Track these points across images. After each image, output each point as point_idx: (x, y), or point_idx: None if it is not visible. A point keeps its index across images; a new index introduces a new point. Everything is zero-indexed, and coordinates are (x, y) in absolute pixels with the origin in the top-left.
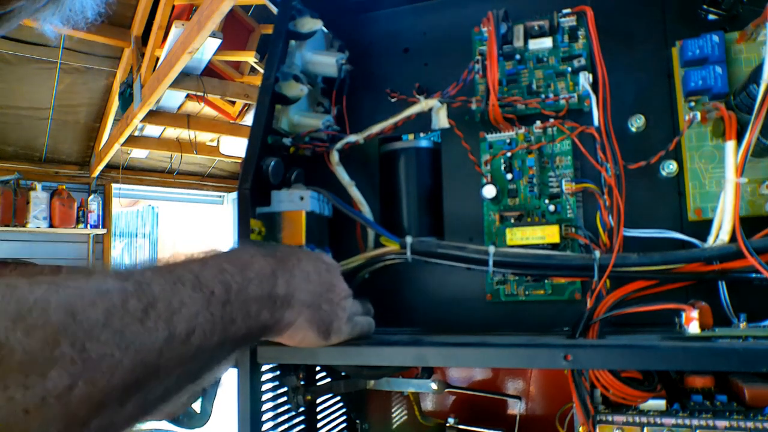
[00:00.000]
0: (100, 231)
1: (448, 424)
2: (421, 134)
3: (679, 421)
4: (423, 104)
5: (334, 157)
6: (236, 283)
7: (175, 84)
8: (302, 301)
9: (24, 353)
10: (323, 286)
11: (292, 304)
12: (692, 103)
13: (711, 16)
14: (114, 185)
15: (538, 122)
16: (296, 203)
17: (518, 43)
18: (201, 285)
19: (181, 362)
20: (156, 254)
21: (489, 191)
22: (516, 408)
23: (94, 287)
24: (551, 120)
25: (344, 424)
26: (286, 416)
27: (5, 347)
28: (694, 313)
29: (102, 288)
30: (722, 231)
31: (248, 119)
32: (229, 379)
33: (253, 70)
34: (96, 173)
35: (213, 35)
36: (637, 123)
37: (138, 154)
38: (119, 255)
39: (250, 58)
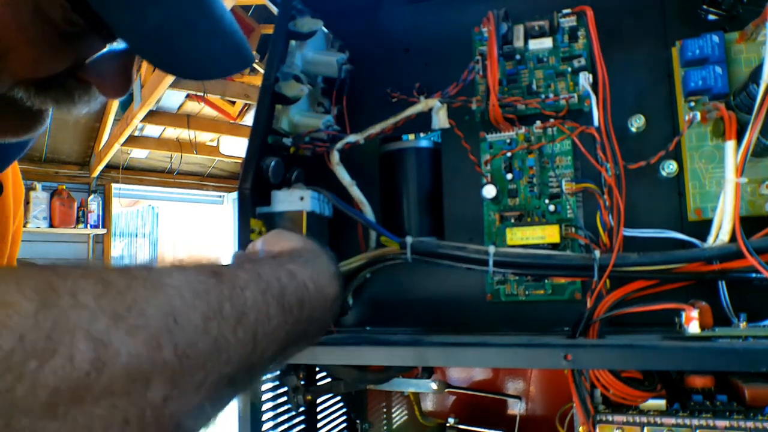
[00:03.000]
0: (100, 231)
1: (448, 424)
2: (422, 134)
3: (679, 421)
4: (423, 104)
5: (335, 157)
6: (310, 304)
7: (175, 84)
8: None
9: (128, 356)
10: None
11: (324, 329)
12: (692, 103)
13: (711, 16)
14: (114, 185)
15: (538, 122)
16: (296, 203)
17: (518, 43)
18: (284, 300)
19: (254, 373)
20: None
21: (489, 191)
22: (516, 408)
23: (192, 286)
24: (551, 120)
25: (344, 424)
26: (286, 416)
27: (109, 348)
28: (694, 313)
29: (199, 288)
30: (722, 231)
31: (248, 119)
32: None
33: (253, 70)
34: (96, 173)
35: None
36: (637, 123)
37: (138, 154)
38: (119, 255)
39: None
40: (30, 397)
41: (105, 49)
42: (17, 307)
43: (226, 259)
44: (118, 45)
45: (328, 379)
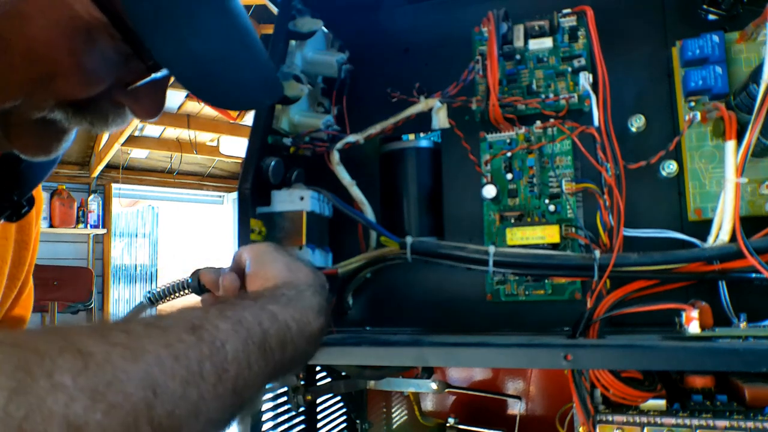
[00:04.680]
0: (100, 231)
1: (448, 424)
2: (422, 134)
3: (680, 421)
4: (423, 104)
5: (335, 157)
6: (293, 344)
7: (175, 84)
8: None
9: None
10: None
11: (307, 360)
12: (692, 103)
13: (711, 16)
14: (114, 185)
15: (538, 122)
16: (296, 203)
17: (518, 43)
18: (266, 345)
19: (232, 418)
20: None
21: (489, 191)
22: (516, 408)
23: (172, 350)
24: (551, 120)
25: (344, 424)
26: (286, 416)
27: (85, 430)
28: (695, 313)
29: (179, 351)
30: (722, 231)
31: (248, 119)
32: None
33: None
34: (96, 173)
35: None
36: (637, 123)
37: (138, 154)
38: (119, 255)
39: None
40: None
41: (148, 78)
42: None
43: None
44: (156, 72)
45: (328, 379)
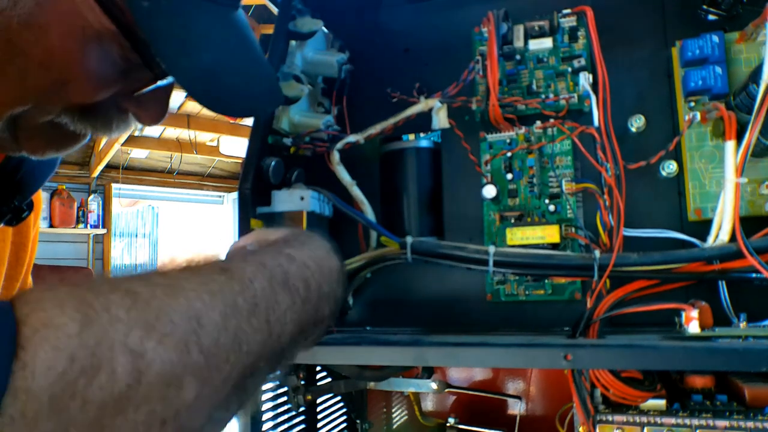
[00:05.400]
0: (100, 231)
1: (448, 424)
2: (422, 134)
3: (679, 421)
4: (423, 104)
5: (335, 157)
6: (315, 281)
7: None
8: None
9: (162, 363)
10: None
11: (337, 301)
12: (692, 103)
13: (711, 16)
14: (114, 185)
15: (538, 122)
16: (297, 203)
17: (518, 43)
18: (289, 283)
19: (273, 360)
20: (156, 254)
21: (489, 191)
22: (516, 408)
23: (208, 287)
24: (551, 120)
25: (344, 424)
26: (286, 416)
27: (144, 358)
28: (694, 313)
29: (214, 287)
30: (722, 231)
31: (248, 119)
32: None
33: None
34: (96, 173)
35: None
36: (637, 123)
37: (138, 154)
38: (119, 255)
39: None
40: (81, 415)
41: (154, 86)
42: (65, 329)
43: (225, 253)
44: (162, 80)
45: (329, 379)
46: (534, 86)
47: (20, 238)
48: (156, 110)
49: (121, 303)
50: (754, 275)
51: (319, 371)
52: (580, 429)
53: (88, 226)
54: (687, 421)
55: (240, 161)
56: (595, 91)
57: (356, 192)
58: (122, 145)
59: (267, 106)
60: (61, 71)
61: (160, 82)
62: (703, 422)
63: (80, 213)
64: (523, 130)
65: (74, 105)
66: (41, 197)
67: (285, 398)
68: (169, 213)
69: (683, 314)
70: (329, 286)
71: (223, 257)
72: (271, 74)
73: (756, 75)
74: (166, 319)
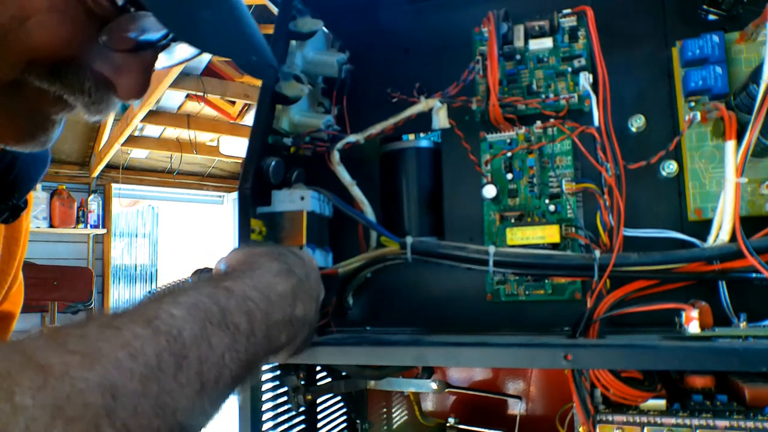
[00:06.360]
0: (100, 231)
1: (448, 424)
2: (422, 134)
3: (680, 421)
4: (423, 104)
5: (335, 157)
6: (260, 311)
7: (175, 84)
8: (310, 321)
9: None
10: (319, 303)
11: (304, 324)
12: (692, 103)
13: (711, 16)
14: (114, 185)
15: (539, 122)
16: (297, 203)
17: (518, 43)
18: (227, 321)
19: (211, 405)
20: (156, 254)
21: (489, 191)
22: (516, 408)
23: (128, 350)
24: (551, 120)
25: (344, 424)
26: (286, 416)
27: None
28: (694, 313)
29: (135, 348)
30: (722, 231)
31: (248, 119)
32: None
33: None
34: (96, 173)
35: None
36: (637, 123)
37: (138, 154)
38: (119, 255)
39: None
40: None
41: (128, 48)
42: None
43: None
44: (142, 48)
45: (329, 379)
46: (534, 86)
47: (12, 232)
48: (135, 80)
49: (30, 385)
50: (754, 275)
51: (319, 371)
52: (580, 429)
53: (88, 226)
54: (687, 421)
55: (240, 161)
56: (595, 91)
57: (356, 192)
58: (122, 145)
59: (247, 52)
60: (19, 4)
61: (140, 39)
62: (703, 422)
63: (80, 213)
64: (523, 130)
65: (39, 58)
66: (31, 194)
67: (285, 398)
68: (169, 213)
69: (683, 314)
70: (281, 311)
71: (153, 300)
72: (253, 26)
73: (756, 75)
74: (77, 399)
